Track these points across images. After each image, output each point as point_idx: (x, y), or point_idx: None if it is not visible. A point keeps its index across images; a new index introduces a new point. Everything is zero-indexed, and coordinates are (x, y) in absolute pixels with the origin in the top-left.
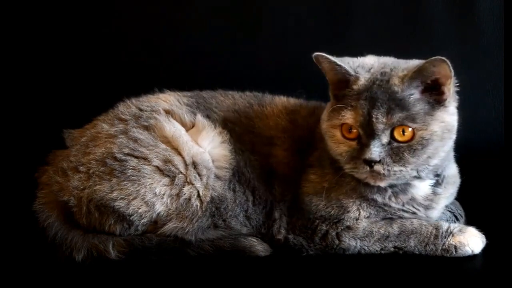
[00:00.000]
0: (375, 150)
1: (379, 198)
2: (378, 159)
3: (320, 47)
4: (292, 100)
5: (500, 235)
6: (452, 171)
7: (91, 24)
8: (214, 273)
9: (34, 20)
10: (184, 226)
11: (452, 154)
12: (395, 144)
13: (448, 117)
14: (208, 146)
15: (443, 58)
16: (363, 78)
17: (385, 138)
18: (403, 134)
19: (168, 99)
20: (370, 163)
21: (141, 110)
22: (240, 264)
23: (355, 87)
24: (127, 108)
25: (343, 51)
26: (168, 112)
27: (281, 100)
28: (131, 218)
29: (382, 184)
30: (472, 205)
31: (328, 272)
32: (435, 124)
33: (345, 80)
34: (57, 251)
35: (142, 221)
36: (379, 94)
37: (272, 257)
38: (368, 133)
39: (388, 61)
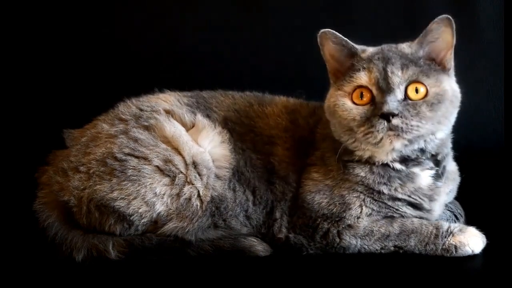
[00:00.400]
0: (393, 104)
1: (385, 190)
2: (396, 111)
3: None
4: (292, 100)
5: (500, 235)
6: (452, 167)
7: (91, 24)
8: (214, 273)
9: (34, 20)
10: (184, 226)
11: (450, 145)
12: (410, 101)
13: (454, 85)
14: (208, 146)
15: (447, 16)
16: (371, 48)
17: (400, 94)
18: (417, 92)
19: (168, 99)
20: (388, 116)
21: (141, 110)
22: (240, 264)
23: (363, 55)
24: (127, 108)
25: None
26: (168, 112)
27: (281, 100)
28: (131, 218)
29: (399, 144)
30: (472, 205)
31: (328, 272)
32: (446, 84)
33: (350, 54)
34: (57, 251)
35: (142, 221)
36: (391, 54)
37: (272, 257)
38: (384, 89)
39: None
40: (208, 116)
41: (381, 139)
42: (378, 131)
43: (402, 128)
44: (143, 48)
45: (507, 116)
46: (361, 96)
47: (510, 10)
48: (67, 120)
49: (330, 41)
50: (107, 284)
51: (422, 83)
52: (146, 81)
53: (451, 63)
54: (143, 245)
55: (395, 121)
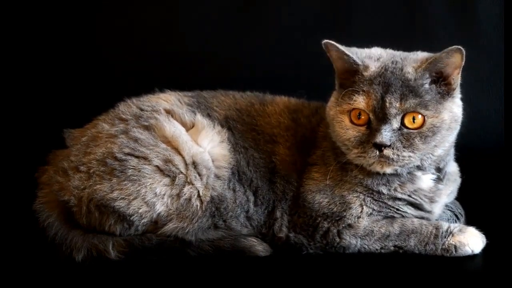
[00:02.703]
0: (386, 134)
1: (385, 190)
2: (388, 143)
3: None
4: (293, 100)
5: (500, 235)
6: (453, 168)
7: (91, 24)
8: (214, 273)
9: (34, 20)
10: (184, 226)
11: (452, 150)
12: (405, 130)
13: (455, 108)
14: (208, 146)
15: (459, 47)
16: (374, 66)
17: (396, 124)
18: (413, 121)
19: (168, 99)
20: (380, 147)
21: (141, 110)
22: (240, 264)
23: (366, 73)
24: (127, 107)
25: None
26: (168, 112)
27: (282, 100)
28: (131, 218)
29: (389, 170)
30: (472, 205)
31: (328, 272)
32: (445, 113)
33: (352, 69)
34: (57, 251)
35: (143, 221)
36: (393, 80)
37: (272, 257)
38: (380, 117)
39: (396, 52)
40: (209, 116)
41: (373, 163)
42: (370, 157)
43: (393, 158)
44: (143, 48)
45: (507, 116)
46: (359, 116)
47: (510, 10)
48: (67, 120)
49: (332, 52)
50: (107, 284)
51: (420, 114)
52: (147, 81)
53: (457, 83)
54: (143, 245)
55: (386, 151)
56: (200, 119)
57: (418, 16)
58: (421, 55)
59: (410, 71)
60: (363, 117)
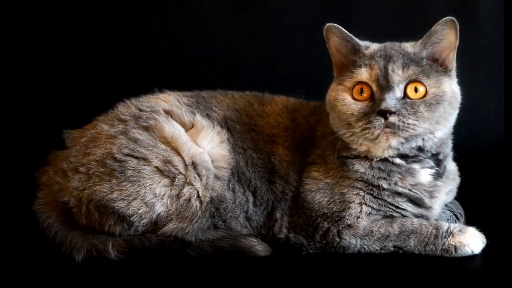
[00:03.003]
0: (391, 102)
1: (385, 184)
2: (394, 109)
3: (320, 47)
4: (292, 100)
5: (500, 235)
6: (451, 166)
7: (91, 24)
8: (214, 273)
9: (34, 20)
10: (184, 227)
11: (451, 144)
12: (409, 100)
13: (454, 87)
14: (208, 146)
15: (452, 18)
16: (374, 45)
17: (399, 93)
18: (416, 92)
19: (168, 99)
20: (386, 113)
21: (141, 110)
22: (240, 264)
23: (366, 52)
24: (127, 108)
25: None
26: (167, 113)
27: (281, 100)
28: (131, 219)
29: (395, 141)
30: (472, 205)
31: (328, 272)
32: (446, 85)
33: (353, 51)
34: (57, 251)
35: (142, 221)
36: (394, 52)
37: (272, 257)
38: (383, 86)
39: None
40: (208, 116)
41: (378, 135)
42: (375, 127)
43: (398, 126)
44: (143, 48)
45: (507, 116)
46: (361, 92)
47: (510, 10)
48: (67, 120)
49: (335, 36)
50: (107, 284)
51: (422, 83)
52: (146, 81)
53: (453, 64)
54: (142, 245)
55: (392, 118)
56: (199, 119)
57: (418, 16)
58: None
59: (408, 46)
60: (365, 92)
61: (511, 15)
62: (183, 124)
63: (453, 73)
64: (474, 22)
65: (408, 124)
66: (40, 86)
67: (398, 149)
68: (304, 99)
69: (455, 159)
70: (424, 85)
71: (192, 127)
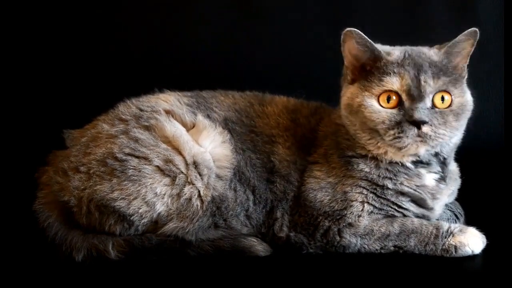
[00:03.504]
0: (424, 111)
1: (390, 184)
2: (427, 119)
3: (320, 46)
4: (292, 100)
5: (500, 235)
6: (453, 167)
7: (91, 24)
8: (214, 273)
9: (34, 20)
10: (184, 226)
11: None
12: (437, 109)
13: (469, 94)
14: (209, 146)
15: (476, 29)
16: (395, 51)
17: (429, 102)
18: (442, 101)
19: (168, 99)
20: (419, 124)
21: (141, 110)
22: (240, 264)
23: (390, 58)
24: (127, 108)
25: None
26: (168, 112)
27: (282, 100)
28: (131, 218)
29: (423, 149)
30: (472, 205)
31: (328, 272)
32: (467, 94)
33: (372, 57)
34: (57, 251)
35: (143, 221)
36: (421, 61)
37: (272, 257)
38: (415, 96)
39: (401, 47)
40: (208, 116)
41: (408, 144)
42: (407, 136)
43: (430, 136)
44: (143, 48)
45: (507, 116)
46: (388, 99)
47: (510, 10)
48: (67, 120)
49: (354, 40)
50: (107, 284)
51: (449, 93)
52: (146, 81)
53: (466, 71)
54: (143, 245)
55: (425, 128)
56: (201, 119)
57: (418, 16)
58: (426, 47)
59: (433, 54)
60: (392, 100)
61: (511, 15)
62: (184, 124)
63: (465, 80)
64: (474, 22)
65: (439, 133)
66: (40, 86)
67: (419, 156)
68: (304, 99)
69: (455, 159)
70: (450, 95)
71: (193, 127)
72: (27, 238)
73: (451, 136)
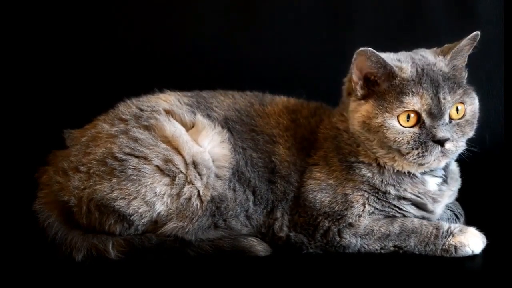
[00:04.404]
0: (446, 129)
1: (392, 191)
2: (449, 136)
3: (320, 46)
4: (293, 100)
5: (500, 235)
6: (454, 166)
7: (91, 24)
8: (214, 273)
9: (34, 20)
10: (184, 226)
11: None
12: (454, 122)
13: (475, 96)
14: (208, 146)
15: (478, 32)
16: (408, 67)
17: (447, 118)
18: (457, 112)
19: (168, 99)
20: (443, 142)
21: (141, 110)
22: (240, 264)
23: (404, 75)
24: (127, 108)
25: (343, 50)
26: (168, 112)
27: (282, 100)
28: (131, 218)
29: (443, 163)
30: (472, 205)
31: (328, 272)
32: (476, 99)
33: (385, 74)
34: (57, 251)
35: (143, 221)
36: (435, 76)
37: (272, 257)
38: (435, 114)
39: (405, 53)
40: (208, 116)
41: (431, 160)
42: (432, 155)
43: (452, 151)
44: (143, 48)
45: (507, 116)
46: (408, 117)
47: (510, 10)
48: (67, 120)
49: (367, 59)
50: (107, 284)
51: (462, 103)
52: (146, 81)
53: (465, 71)
54: (142, 245)
55: (448, 145)
56: (200, 119)
57: (418, 16)
58: (426, 50)
59: (442, 64)
60: (412, 118)
61: (511, 15)
62: (183, 124)
63: (465, 80)
64: (474, 22)
65: (459, 146)
66: (40, 86)
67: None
68: (305, 99)
69: (455, 159)
70: (464, 104)
71: (193, 126)
72: (27, 238)
73: (465, 144)
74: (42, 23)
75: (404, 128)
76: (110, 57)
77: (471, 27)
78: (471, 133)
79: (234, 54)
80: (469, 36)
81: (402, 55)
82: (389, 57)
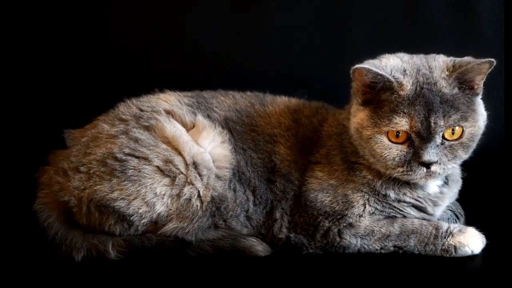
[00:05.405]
0: (433, 152)
1: (392, 194)
2: (436, 159)
3: (320, 46)
4: (294, 100)
5: (500, 235)
6: (456, 169)
7: (91, 24)
8: (214, 273)
9: (34, 20)
10: (184, 226)
11: None
12: (447, 143)
13: (483, 110)
14: (209, 146)
15: (492, 60)
16: (408, 84)
17: (439, 139)
18: (453, 133)
19: (168, 99)
20: (429, 165)
21: (141, 110)
22: (240, 264)
23: (402, 93)
24: (127, 108)
25: (343, 50)
26: (168, 113)
27: (283, 100)
28: (131, 218)
29: (431, 181)
30: (472, 205)
31: (328, 272)
32: (480, 119)
33: (383, 87)
34: (57, 251)
35: (143, 221)
36: (432, 98)
37: (272, 257)
38: (424, 136)
39: (416, 60)
40: (208, 116)
41: (416, 179)
42: (416, 174)
43: (439, 173)
44: (143, 48)
45: (507, 116)
46: (397, 134)
47: (510, 10)
48: (67, 120)
49: (365, 76)
50: (107, 284)
51: (460, 126)
52: (146, 81)
53: (481, 87)
54: (142, 245)
55: (434, 168)
56: (201, 119)
57: (418, 16)
58: (441, 60)
59: (444, 84)
60: (402, 135)
61: (511, 15)
62: (184, 124)
63: (480, 96)
64: (474, 22)
65: (447, 168)
66: (40, 86)
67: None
68: (306, 99)
69: None
70: (461, 126)
71: (193, 127)
72: (27, 238)
73: (459, 164)
74: (42, 23)
75: (393, 144)
76: (110, 57)
77: (471, 27)
78: (465, 156)
79: (234, 54)
80: (479, 61)
81: (411, 63)
82: (397, 66)
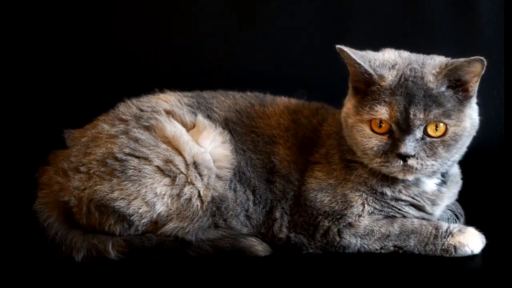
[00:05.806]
0: (410, 145)
1: (388, 192)
2: (413, 153)
3: (320, 46)
4: (294, 101)
5: (500, 235)
6: (455, 169)
7: (91, 24)
8: (214, 273)
9: (34, 20)
10: (184, 226)
11: None
12: (428, 139)
13: (474, 114)
14: (209, 146)
15: (481, 58)
16: (390, 75)
17: (419, 133)
18: (436, 129)
19: (168, 99)
20: (405, 157)
21: (141, 110)
22: (240, 264)
23: (383, 83)
24: (127, 108)
25: None
26: (168, 113)
27: (283, 101)
28: (131, 218)
29: (411, 177)
30: (472, 205)
31: (328, 272)
32: (467, 120)
33: (366, 77)
34: (57, 251)
35: (143, 221)
36: (415, 90)
37: (272, 257)
38: (403, 128)
39: (412, 56)
40: (208, 117)
41: (395, 172)
42: (393, 167)
43: (416, 168)
44: (143, 48)
45: (507, 116)
46: (380, 124)
47: (510, 10)
48: (67, 120)
49: (346, 59)
50: (107, 284)
51: (443, 122)
52: (146, 81)
53: (475, 90)
54: (142, 245)
55: (410, 161)
56: (201, 119)
57: (418, 16)
58: (438, 59)
59: (431, 79)
60: (384, 125)
61: (511, 15)
62: (184, 124)
63: (474, 99)
64: (474, 22)
65: (426, 165)
66: (40, 86)
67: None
68: (306, 100)
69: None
70: (445, 124)
71: (193, 127)
72: (27, 238)
73: (441, 165)
74: (42, 23)
75: (374, 134)
76: (110, 57)
77: (471, 27)
78: (446, 155)
79: (234, 54)
80: (468, 59)
81: (406, 58)
82: (388, 59)
